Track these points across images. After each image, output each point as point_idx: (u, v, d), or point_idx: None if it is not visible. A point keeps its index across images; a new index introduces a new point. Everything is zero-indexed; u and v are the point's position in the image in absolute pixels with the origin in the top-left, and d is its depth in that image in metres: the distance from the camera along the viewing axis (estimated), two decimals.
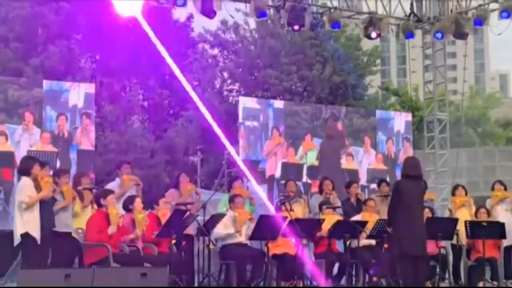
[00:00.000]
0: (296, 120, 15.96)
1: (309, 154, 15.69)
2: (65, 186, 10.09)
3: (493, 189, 12.93)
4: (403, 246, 9.61)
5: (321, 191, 12.81)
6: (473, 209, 12.53)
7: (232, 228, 10.85)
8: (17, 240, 9.08)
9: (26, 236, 9.00)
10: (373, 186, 15.72)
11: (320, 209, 11.98)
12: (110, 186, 11.14)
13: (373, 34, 16.44)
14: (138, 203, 10.06)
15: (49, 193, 9.50)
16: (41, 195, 9.18)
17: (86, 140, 13.37)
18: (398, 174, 16.07)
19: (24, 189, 9.13)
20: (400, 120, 17.20)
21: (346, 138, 16.24)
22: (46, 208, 9.55)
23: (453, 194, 12.98)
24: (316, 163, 15.71)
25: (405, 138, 16.96)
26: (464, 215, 12.21)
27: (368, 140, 16.50)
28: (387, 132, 16.80)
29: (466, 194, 12.80)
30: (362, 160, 16.38)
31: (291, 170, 15.39)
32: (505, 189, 12.87)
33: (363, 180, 16.01)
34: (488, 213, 12.29)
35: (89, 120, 13.49)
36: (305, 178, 15.48)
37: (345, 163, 16.06)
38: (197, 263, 11.28)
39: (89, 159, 13.46)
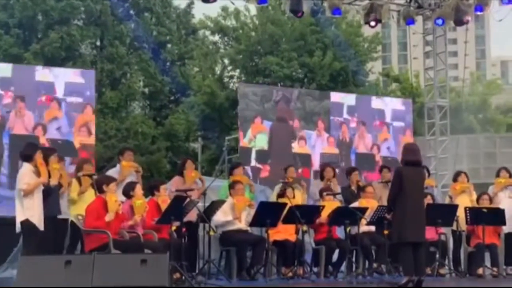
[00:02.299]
0: (245, 102, 15.67)
1: (258, 137, 15.38)
2: (62, 172, 10.07)
3: (498, 175, 12.93)
4: (403, 232, 9.61)
5: (322, 178, 12.81)
6: (474, 195, 12.54)
7: (231, 215, 10.86)
8: (17, 227, 9.07)
9: (26, 223, 8.99)
10: None
11: (321, 195, 11.99)
12: (111, 172, 11.17)
13: (372, 23, 16.47)
14: (138, 189, 10.06)
15: (55, 180, 9.52)
16: (40, 181, 9.17)
17: (20, 124, 13.20)
18: (353, 159, 15.95)
19: (23, 176, 9.11)
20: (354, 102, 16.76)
21: (298, 121, 15.86)
22: (52, 194, 9.58)
23: (455, 180, 12.97)
24: (265, 147, 15.43)
25: (361, 122, 16.43)
26: (464, 201, 12.23)
27: (321, 123, 16.05)
28: (341, 115, 16.32)
29: (468, 180, 12.80)
30: (315, 145, 15.95)
31: (239, 154, 15.29)
32: (510, 176, 12.87)
33: (316, 165, 15.57)
34: (491, 199, 12.29)
35: (23, 104, 13.24)
36: (253, 163, 15.25)
37: (297, 147, 15.70)
38: (197, 249, 11.29)
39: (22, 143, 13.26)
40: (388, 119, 16.68)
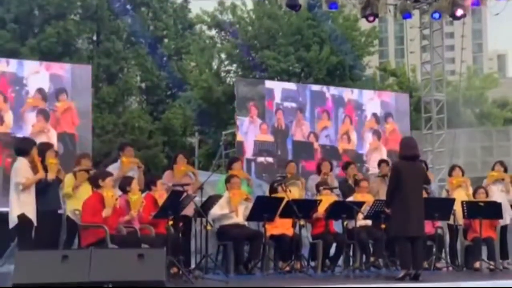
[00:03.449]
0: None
1: None
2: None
3: (493, 169, 12.94)
4: (401, 227, 9.64)
5: (319, 172, 12.81)
6: (470, 189, 12.54)
7: (227, 209, 10.87)
8: (13, 221, 9.04)
9: (22, 217, 8.97)
10: (261, 159, 15.09)
11: (318, 189, 11.99)
12: (111, 168, 11.09)
13: (370, 17, 16.48)
14: (134, 184, 10.05)
15: (53, 175, 9.52)
16: (38, 177, 9.16)
17: None
18: (290, 147, 15.43)
19: (21, 170, 9.10)
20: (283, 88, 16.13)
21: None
22: (51, 189, 9.58)
23: (449, 174, 12.98)
24: None
25: (299, 109, 15.85)
26: (460, 195, 12.23)
27: (254, 109, 15.36)
28: (292, 105, 15.76)
29: (463, 174, 12.80)
30: (248, 131, 15.30)
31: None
32: (505, 170, 12.87)
33: (249, 153, 15.10)
34: (487, 193, 12.29)
35: None
36: None
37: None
38: (194, 244, 11.30)
39: None
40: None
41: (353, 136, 16.29)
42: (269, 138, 15.41)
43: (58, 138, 13.26)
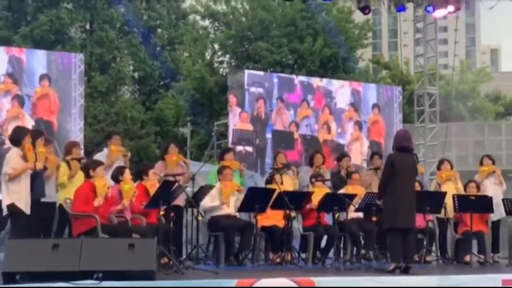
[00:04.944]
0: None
1: None
2: (50, 156, 10.05)
3: (481, 164, 12.95)
4: (393, 219, 9.65)
5: (311, 164, 12.81)
6: (459, 183, 12.55)
7: (218, 200, 10.86)
8: (4, 210, 9.02)
9: (12, 206, 8.94)
10: (239, 148, 14.94)
11: (311, 181, 11.99)
12: (98, 156, 11.10)
13: (366, 10, 16.49)
14: (127, 174, 10.05)
15: (41, 164, 9.45)
16: (27, 167, 9.07)
17: None
18: (269, 137, 15.32)
19: (10, 160, 9.03)
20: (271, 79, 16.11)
21: None
22: (37, 178, 9.54)
23: (438, 168, 13.00)
24: None
25: (279, 98, 15.71)
26: (449, 189, 12.24)
27: (233, 98, 15.24)
28: (258, 90, 15.53)
29: (451, 168, 12.82)
30: (228, 120, 15.30)
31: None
32: (493, 163, 12.90)
33: (228, 142, 15.02)
34: (478, 187, 12.31)
35: None
36: None
37: None
38: (185, 234, 11.30)
39: None
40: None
41: (333, 126, 16.20)
42: (248, 126, 15.25)
43: (35, 125, 13.05)
